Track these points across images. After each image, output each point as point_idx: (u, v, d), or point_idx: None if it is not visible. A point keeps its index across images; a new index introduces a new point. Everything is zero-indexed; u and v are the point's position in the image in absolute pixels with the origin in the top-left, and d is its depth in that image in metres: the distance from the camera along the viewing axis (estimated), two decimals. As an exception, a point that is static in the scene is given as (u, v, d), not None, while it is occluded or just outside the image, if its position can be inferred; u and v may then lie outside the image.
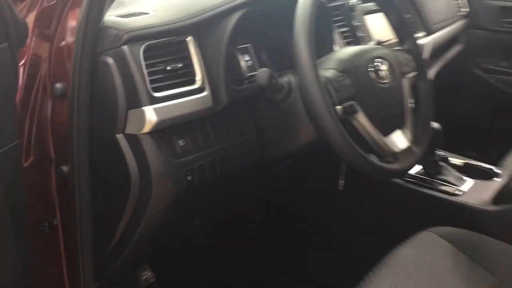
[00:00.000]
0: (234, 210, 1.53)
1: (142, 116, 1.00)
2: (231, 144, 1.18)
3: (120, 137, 1.03)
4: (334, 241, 1.53)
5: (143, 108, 1.00)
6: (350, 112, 1.05)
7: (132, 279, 1.36)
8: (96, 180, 1.09)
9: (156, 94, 1.02)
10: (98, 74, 1.03)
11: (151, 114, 1.00)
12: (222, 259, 1.58)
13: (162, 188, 1.05)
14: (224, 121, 1.17)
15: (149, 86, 1.01)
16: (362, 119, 1.06)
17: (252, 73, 1.22)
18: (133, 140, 1.03)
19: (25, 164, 1.11)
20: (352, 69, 1.11)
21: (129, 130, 1.03)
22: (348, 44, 1.48)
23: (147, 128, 1.01)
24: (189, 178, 1.08)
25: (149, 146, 1.02)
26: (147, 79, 1.01)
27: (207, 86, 1.11)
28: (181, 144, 1.07)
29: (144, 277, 1.37)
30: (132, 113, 1.01)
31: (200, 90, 1.10)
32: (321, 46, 1.27)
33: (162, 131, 1.05)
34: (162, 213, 1.09)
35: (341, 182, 1.50)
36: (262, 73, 1.07)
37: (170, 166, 1.05)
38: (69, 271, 1.19)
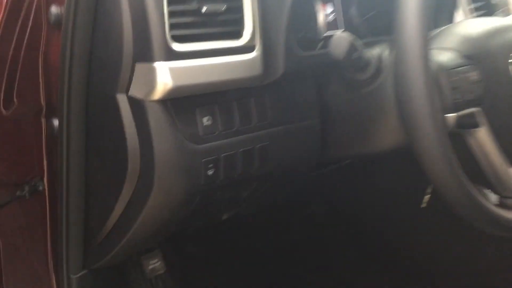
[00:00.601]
0: (276, 207, 1.21)
1: (152, 75, 0.68)
2: (282, 131, 0.84)
3: (121, 98, 0.72)
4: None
5: (155, 64, 0.67)
6: (467, 125, 0.67)
7: (136, 265, 1.10)
8: (90, 146, 0.80)
9: (177, 46, 0.69)
10: (105, 2, 0.71)
11: (164, 75, 0.67)
12: (249, 259, 1.28)
13: (168, 182, 0.74)
14: (276, 98, 0.82)
15: (168, 33, 0.68)
16: (484, 138, 0.68)
17: (331, 33, 0.85)
18: (138, 107, 0.71)
19: (6, 112, 0.84)
20: (483, 56, 0.72)
21: (134, 91, 0.71)
22: (478, 14, 1.05)
23: (157, 94, 0.69)
24: (209, 172, 0.76)
25: (156, 121, 0.71)
26: (167, 21, 0.67)
27: (258, 43, 0.76)
28: (205, 123, 0.75)
29: (151, 267, 1.09)
30: (140, 68, 0.69)
31: (246, 48, 0.75)
32: (438, 10, 0.87)
33: (181, 100, 0.72)
34: (167, 209, 0.78)
35: (427, 197, 1.11)
36: (340, 40, 0.71)
37: (183, 153, 0.73)
38: (53, 252, 0.93)
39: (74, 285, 0.92)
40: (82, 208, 0.85)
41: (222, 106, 0.76)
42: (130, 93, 0.71)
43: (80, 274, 0.92)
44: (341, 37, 0.72)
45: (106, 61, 0.72)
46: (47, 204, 0.90)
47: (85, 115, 0.78)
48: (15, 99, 0.82)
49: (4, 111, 0.83)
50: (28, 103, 0.82)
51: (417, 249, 1.25)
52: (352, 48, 0.72)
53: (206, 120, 0.74)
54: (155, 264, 1.09)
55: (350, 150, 0.89)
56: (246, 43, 0.75)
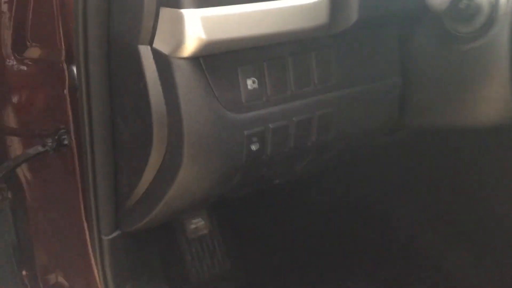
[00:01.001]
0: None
1: (179, 26, 0.51)
2: (350, 94, 0.66)
3: (144, 50, 0.56)
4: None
5: (183, 11, 0.51)
6: None
7: (178, 224, 0.99)
8: (115, 101, 0.66)
9: None
10: None
11: (195, 26, 0.51)
12: (299, 228, 1.14)
13: (200, 158, 0.59)
14: (345, 52, 0.63)
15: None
16: None
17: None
18: (164, 64, 0.56)
19: (18, 56, 0.71)
20: None
21: (159, 44, 0.55)
22: None
23: (186, 50, 0.52)
24: (253, 147, 0.60)
25: (186, 83, 0.55)
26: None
27: None
28: (250, 87, 0.58)
29: (193, 226, 0.99)
30: (165, 14, 0.53)
31: None
32: None
33: (218, 58, 0.55)
34: (200, 187, 0.65)
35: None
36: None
37: (220, 124, 0.57)
38: (86, 211, 0.84)
39: (105, 246, 0.82)
40: (110, 169, 0.73)
41: (272, 63, 0.59)
42: (154, 45, 0.55)
43: (112, 235, 0.82)
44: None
45: (126, 3, 0.56)
46: (76, 158, 0.79)
47: (107, 65, 0.63)
48: (27, 42, 0.69)
49: (17, 55, 0.70)
50: (43, 47, 0.69)
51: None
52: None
53: (251, 83, 0.58)
54: (198, 223, 0.98)
55: (438, 118, 0.70)
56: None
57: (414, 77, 0.69)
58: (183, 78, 0.55)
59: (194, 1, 0.50)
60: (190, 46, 0.52)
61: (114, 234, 0.81)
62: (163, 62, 0.55)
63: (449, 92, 0.66)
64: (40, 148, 0.76)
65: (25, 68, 0.71)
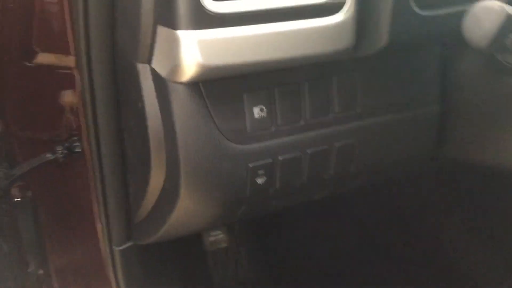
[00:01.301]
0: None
1: (175, 48, 0.45)
2: (377, 124, 0.58)
3: (142, 69, 0.51)
4: None
5: (179, 33, 0.44)
6: None
7: (195, 237, 0.95)
8: (122, 114, 0.62)
9: (214, 6, 0.44)
10: None
11: (192, 50, 0.45)
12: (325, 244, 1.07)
13: (197, 191, 0.53)
14: (372, 77, 0.56)
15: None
16: None
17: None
18: (161, 85, 0.50)
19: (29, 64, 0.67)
20: None
21: (157, 64, 0.49)
22: None
23: (182, 75, 0.46)
24: (259, 181, 0.54)
25: (183, 110, 0.49)
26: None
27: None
28: (256, 116, 0.51)
29: (212, 239, 0.94)
30: (162, 33, 0.47)
31: (328, 8, 0.48)
32: None
33: (219, 83, 0.49)
34: (201, 218, 0.59)
35: None
36: (487, 10, 0.41)
37: (220, 156, 0.51)
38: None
39: (117, 257, 0.79)
40: (118, 180, 0.69)
41: (284, 89, 0.52)
42: (153, 63, 0.50)
43: (123, 246, 0.79)
44: (489, 7, 0.41)
45: (127, 17, 0.51)
46: (89, 165, 0.76)
47: (113, 79, 0.58)
48: (37, 48, 0.65)
49: (27, 62, 0.67)
50: (51, 52, 0.65)
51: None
52: (508, 24, 0.42)
53: (258, 111, 0.51)
54: (217, 236, 0.93)
55: (479, 155, 0.61)
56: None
57: (456, 107, 0.60)
58: (180, 103, 0.49)
59: (191, 21, 0.44)
60: (186, 71, 0.46)
61: (126, 245, 0.77)
62: (160, 84, 0.50)
63: (494, 127, 0.57)
64: (49, 156, 0.73)
65: (36, 74, 0.68)
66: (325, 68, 0.53)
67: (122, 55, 0.54)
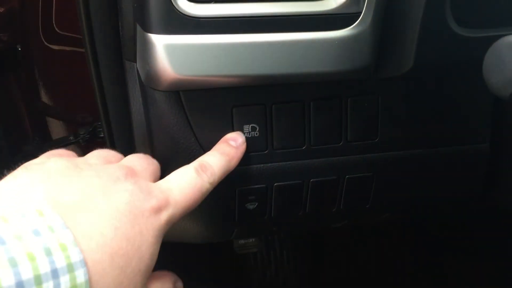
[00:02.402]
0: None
1: (147, 52, 0.40)
2: (404, 157, 0.48)
3: (129, 66, 0.46)
4: None
5: (151, 37, 0.39)
6: None
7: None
8: None
9: (193, 10, 0.38)
10: None
11: (162, 57, 0.39)
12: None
13: (178, 211, 0.48)
14: (399, 101, 0.46)
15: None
16: None
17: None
18: (143, 89, 0.45)
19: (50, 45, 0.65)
20: None
21: (138, 65, 0.44)
22: None
23: (154, 82, 0.41)
24: (250, 206, 0.47)
25: (159, 119, 0.44)
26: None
27: (365, 7, 0.39)
28: (247, 135, 0.44)
29: (241, 242, 0.89)
30: (139, 33, 0.41)
31: (338, 18, 0.39)
32: None
33: (203, 94, 0.43)
34: (196, 231, 0.54)
35: None
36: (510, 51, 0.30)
37: None
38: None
39: None
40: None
41: (283, 107, 0.44)
42: (137, 65, 0.44)
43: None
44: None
45: (122, 10, 0.46)
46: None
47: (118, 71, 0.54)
48: (59, 32, 0.63)
49: (50, 45, 0.65)
50: (72, 33, 0.62)
51: None
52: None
53: (249, 130, 0.44)
54: (246, 240, 0.88)
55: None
56: (338, 6, 0.39)
57: (506, 146, 0.48)
58: (157, 112, 0.43)
59: (162, 25, 0.38)
60: (158, 79, 0.40)
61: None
62: (142, 86, 0.45)
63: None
64: (71, 138, 0.72)
65: (62, 57, 0.66)
66: (338, 87, 0.44)
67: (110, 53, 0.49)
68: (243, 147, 0.43)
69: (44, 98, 0.75)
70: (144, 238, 0.34)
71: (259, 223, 0.50)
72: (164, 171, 0.45)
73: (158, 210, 0.35)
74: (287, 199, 0.47)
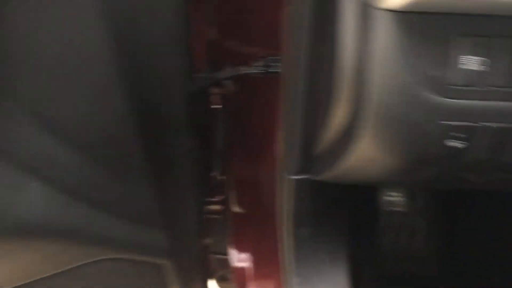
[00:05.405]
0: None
1: None
2: None
3: None
4: None
5: None
6: None
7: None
8: None
9: None
10: None
11: None
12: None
13: (379, 134, 0.48)
14: None
15: None
16: None
17: None
18: (363, 10, 0.44)
19: None
20: None
21: None
22: None
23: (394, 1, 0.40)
24: (451, 143, 0.46)
25: (380, 41, 0.43)
26: None
27: None
28: (464, 67, 0.43)
29: (387, 198, 0.89)
30: None
31: None
32: None
33: (424, 18, 0.41)
34: (380, 166, 0.54)
35: None
36: None
37: (412, 103, 0.45)
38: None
39: (291, 186, 0.79)
40: (300, 108, 0.67)
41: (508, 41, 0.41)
42: None
43: (299, 177, 0.78)
44: None
45: None
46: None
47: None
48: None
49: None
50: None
51: None
52: None
53: (467, 62, 0.42)
54: (394, 197, 0.87)
55: None
56: None
57: None
58: (379, 35, 0.43)
59: None
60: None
61: (301, 176, 0.76)
62: (363, 7, 0.44)
63: None
64: (243, 69, 0.74)
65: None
66: None
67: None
68: None
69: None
70: None
71: (456, 166, 0.48)
72: (374, 100, 0.44)
73: None
74: (497, 142, 0.45)
